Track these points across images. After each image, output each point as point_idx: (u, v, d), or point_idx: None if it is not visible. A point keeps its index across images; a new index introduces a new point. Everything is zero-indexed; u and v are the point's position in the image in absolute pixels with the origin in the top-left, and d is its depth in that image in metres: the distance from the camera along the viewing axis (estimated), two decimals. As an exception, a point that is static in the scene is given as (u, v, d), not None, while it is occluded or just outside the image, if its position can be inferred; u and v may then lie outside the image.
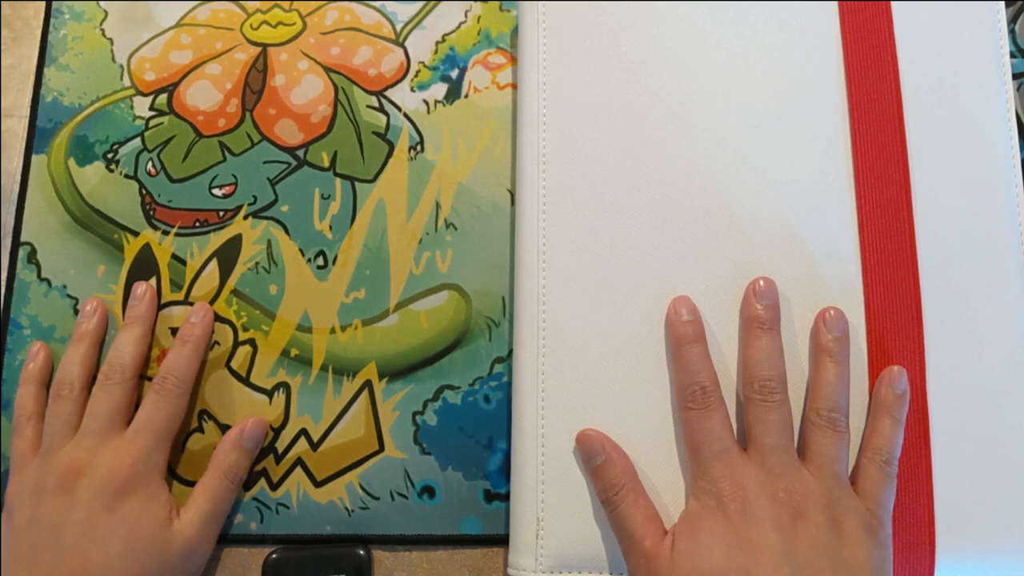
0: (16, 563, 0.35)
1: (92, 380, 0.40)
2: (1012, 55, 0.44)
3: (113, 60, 0.46)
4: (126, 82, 0.46)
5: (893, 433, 0.36)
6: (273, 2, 0.47)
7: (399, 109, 0.45)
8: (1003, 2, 0.42)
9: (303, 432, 0.41)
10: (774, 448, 0.34)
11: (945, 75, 0.41)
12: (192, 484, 0.40)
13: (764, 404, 0.35)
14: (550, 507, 0.37)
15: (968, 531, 0.37)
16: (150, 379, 0.41)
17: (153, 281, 0.43)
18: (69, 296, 0.43)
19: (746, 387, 0.36)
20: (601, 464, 0.36)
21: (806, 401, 0.37)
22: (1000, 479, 0.37)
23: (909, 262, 0.39)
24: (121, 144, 0.45)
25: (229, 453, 0.40)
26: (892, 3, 0.42)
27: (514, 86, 0.45)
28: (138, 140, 0.45)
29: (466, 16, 0.47)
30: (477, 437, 0.41)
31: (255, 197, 0.44)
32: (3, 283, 0.43)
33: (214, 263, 0.43)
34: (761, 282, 0.38)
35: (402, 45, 0.46)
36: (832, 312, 0.38)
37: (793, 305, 0.38)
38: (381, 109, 0.45)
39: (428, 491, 0.40)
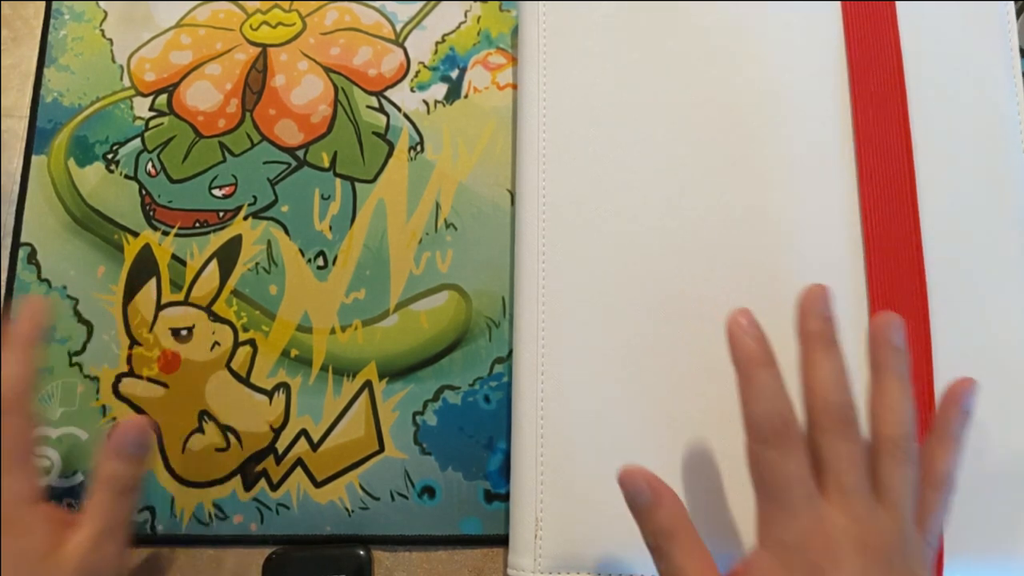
0: None
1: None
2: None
3: (113, 60, 0.46)
4: (126, 82, 0.46)
5: (955, 459, 0.32)
6: (273, 2, 0.47)
7: (399, 109, 0.45)
8: (1012, 1, 0.42)
9: (303, 432, 0.41)
10: (855, 489, 0.30)
11: (951, 76, 0.41)
12: (193, 484, 0.40)
13: (842, 435, 0.30)
14: (549, 507, 0.37)
15: (976, 535, 0.36)
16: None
17: (153, 282, 0.43)
18: (69, 297, 0.43)
19: (817, 414, 0.31)
20: (649, 505, 0.31)
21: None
22: (1009, 483, 0.37)
23: (916, 263, 0.39)
24: (121, 144, 0.45)
25: (105, 464, 0.34)
26: (896, 3, 0.42)
27: (514, 86, 0.45)
28: (138, 140, 0.45)
29: (466, 16, 0.47)
30: (477, 437, 0.41)
31: (255, 197, 0.44)
32: (3, 283, 0.43)
33: (214, 263, 0.43)
34: (813, 290, 0.32)
35: (402, 45, 0.46)
36: (888, 319, 0.32)
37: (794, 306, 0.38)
38: (381, 109, 0.45)
39: (428, 491, 0.40)
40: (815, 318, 0.32)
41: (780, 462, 0.30)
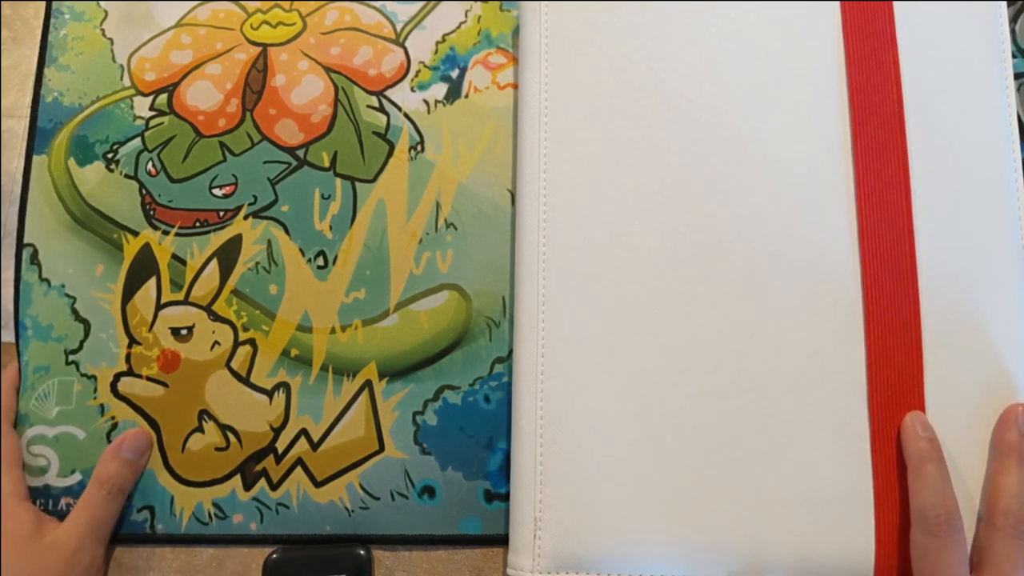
0: None
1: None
2: (1012, 55, 0.43)
3: (113, 60, 0.46)
4: (126, 82, 0.46)
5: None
6: (273, 2, 0.47)
7: (399, 109, 0.45)
8: (1005, 2, 0.42)
9: (303, 432, 0.41)
10: None
11: (946, 76, 0.41)
12: (193, 484, 0.40)
13: (1012, 539, 0.34)
14: (548, 507, 0.37)
15: None
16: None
17: (153, 281, 0.43)
18: (67, 295, 0.43)
19: (999, 517, 0.34)
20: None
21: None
22: None
23: (909, 264, 0.39)
24: (121, 144, 0.45)
25: (108, 464, 0.40)
26: (894, 3, 0.42)
27: (514, 86, 0.45)
28: (138, 140, 0.45)
29: (466, 16, 0.47)
30: (477, 437, 0.41)
31: (255, 197, 0.44)
32: (2, 283, 0.43)
33: (214, 263, 0.43)
34: (1017, 407, 0.36)
35: (402, 45, 0.46)
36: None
37: (791, 306, 0.38)
38: (381, 109, 0.45)
39: (428, 491, 0.40)
40: (1014, 431, 0.36)
41: (941, 552, 0.33)
